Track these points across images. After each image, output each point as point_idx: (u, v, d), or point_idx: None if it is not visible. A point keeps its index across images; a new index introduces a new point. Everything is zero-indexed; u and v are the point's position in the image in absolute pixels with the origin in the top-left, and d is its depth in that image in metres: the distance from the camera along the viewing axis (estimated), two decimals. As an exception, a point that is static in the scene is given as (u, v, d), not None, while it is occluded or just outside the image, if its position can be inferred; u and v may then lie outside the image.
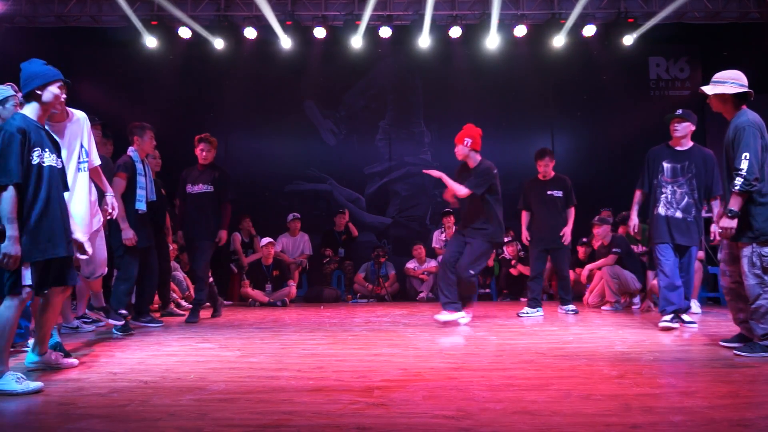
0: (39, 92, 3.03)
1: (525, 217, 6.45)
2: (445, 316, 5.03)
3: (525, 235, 6.41)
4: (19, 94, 3.70)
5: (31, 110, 3.03)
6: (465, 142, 5.14)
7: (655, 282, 6.35)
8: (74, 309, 5.49)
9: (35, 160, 2.91)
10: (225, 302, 7.97)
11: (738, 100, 3.68)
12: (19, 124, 2.89)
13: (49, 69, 3.11)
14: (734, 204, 3.51)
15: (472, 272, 5.03)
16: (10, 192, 2.78)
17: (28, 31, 8.24)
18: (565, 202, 6.20)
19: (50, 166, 3.00)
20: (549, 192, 6.21)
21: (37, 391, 2.72)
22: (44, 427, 2.28)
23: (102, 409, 2.47)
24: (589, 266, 7.27)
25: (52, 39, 8.45)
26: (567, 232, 6.12)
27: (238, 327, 5.19)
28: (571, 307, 6.20)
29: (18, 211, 2.82)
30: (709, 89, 3.73)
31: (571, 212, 6.23)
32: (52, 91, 3.07)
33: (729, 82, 3.67)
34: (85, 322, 5.00)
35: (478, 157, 5.18)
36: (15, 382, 2.72)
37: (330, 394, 2.62)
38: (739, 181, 3.46)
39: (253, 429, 2.15)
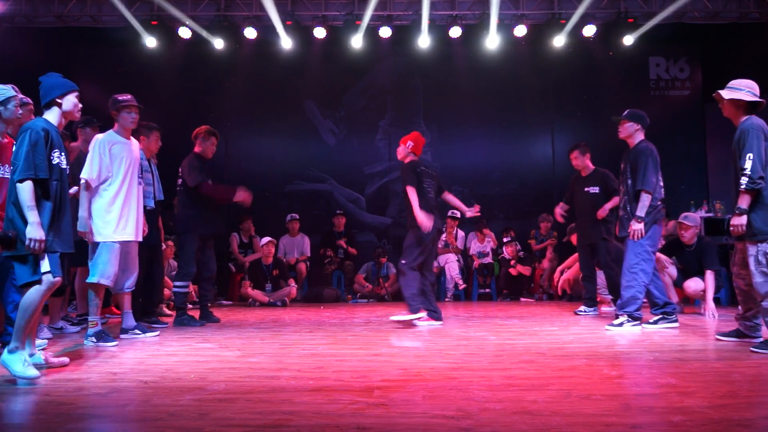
0: (60, 101, 3.28)
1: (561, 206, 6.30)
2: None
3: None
4: (20, 95, 3.72)
5: (52, 116, 3.27)
6: (407, 144, 5.51)
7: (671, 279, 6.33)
8: (74, 308, 5.50)
9: (55, 161, 3.15)
10: (225, 302, 8.01)
11: (749, 107, 3.84)
12: (43, 125, 3.14)
13: (67, 80, 3.36)
14: (742, 202, 3.67)
15: (403, 261, 5.26)
16: (29, 184, 3.00)
17: (28, 31, 8.24)
18: (603, 198, 5.88)
19: (65, 168, 3.25)
20: (585, 188, 6.01)
21: (34, 378, 2.87)
22: (44, 427, 2.27)
23: (102, 409, 2.47)
24: (561, 266, 7.44)
25: (52, 39, 8.46)
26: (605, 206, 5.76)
27: (238, 327, 5.19)
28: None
29: (41, 205, 3.06)
30: (725, 93, 3.88)
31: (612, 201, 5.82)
32: (71, 99, 3.32)
33: (745, 90, 3.83)
34: (71, 323, 5.00)
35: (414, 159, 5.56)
36: (21, 363, 2.89)
37: (330, 394, 2.62)
38: (744, 180, 3.65)
39: (253, 429, 2.15)
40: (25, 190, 2.99)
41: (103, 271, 4.22)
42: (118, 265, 4.30)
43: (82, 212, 4.21)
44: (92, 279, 4.25)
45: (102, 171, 4.27)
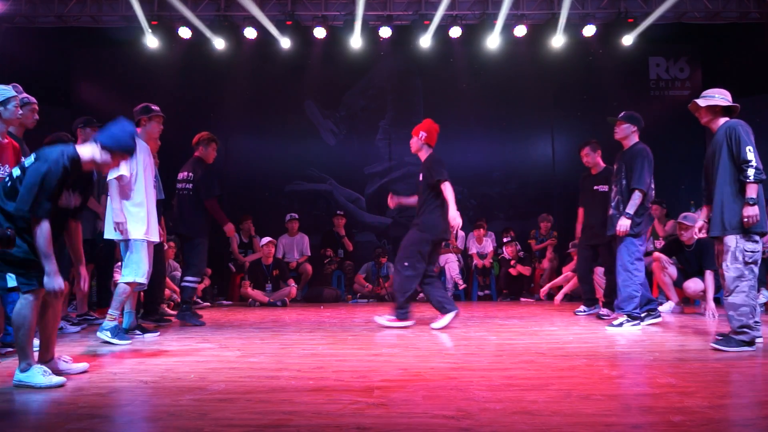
0: (106, 151, 2.99)
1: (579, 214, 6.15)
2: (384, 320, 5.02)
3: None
4: (23, 94, 3.68)
5: (87, 152, 2.98)
6: (420, 135, 5.17)
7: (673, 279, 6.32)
8: (74, 308, 5.50)
9: (60, 202, 2.90)
10: (225, 302, 8.01)
11: (725, 113, 3.96)
12: (66, 164, 2.82)
13: (130, 146, 3.09)
14: (751, 192, 3.67)
15: (406, 264, 4.88)
16: (45, 227, 2.77)
17: (28, 31, 8.24)
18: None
19: (71, 207, 3.02)
20: (595, 187, 5.88)
21: (60, 385, 2.79)
22: (44, 427, 2.28)
23: (102, 409, 2.47)
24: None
25: (52, 39, 8.45)
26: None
27: (238, 327, 5.19)
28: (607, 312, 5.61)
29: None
30: (701, 102, 3.98)
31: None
32: (112, 156, 3.02)
33: (718, 97, 3.95)
34: (71, 323, 5.00)
35: (430, 151, 5.21)
36: (41, 375, 2.80)
37: (330, 394, 2.62)
38: (751, 171, 3.67)
39: (253, 429, 2.15)
40: (42, 234, 2.76)
41: (137, 269, 4.30)
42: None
43: (115, 205, 4.27)
44: (128, 278, 4.29)
45: (131, 168, 4.37)
